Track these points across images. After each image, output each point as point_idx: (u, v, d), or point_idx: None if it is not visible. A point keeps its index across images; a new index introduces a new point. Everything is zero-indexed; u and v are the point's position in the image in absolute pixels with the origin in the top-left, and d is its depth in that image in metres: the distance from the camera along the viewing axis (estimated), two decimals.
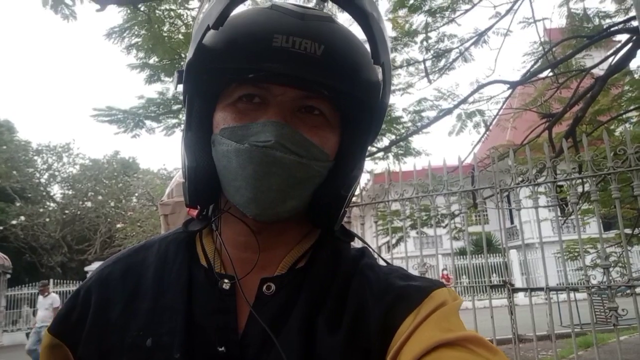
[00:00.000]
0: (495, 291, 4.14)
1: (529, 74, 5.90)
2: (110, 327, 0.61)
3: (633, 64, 5.82)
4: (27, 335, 9.01)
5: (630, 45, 4.95)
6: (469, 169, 4.62)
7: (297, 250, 0.64)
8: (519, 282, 12.18)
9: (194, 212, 0.69)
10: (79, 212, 24.76)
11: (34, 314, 16.93)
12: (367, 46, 0.57)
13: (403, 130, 6.72)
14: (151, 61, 5.92)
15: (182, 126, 0.65)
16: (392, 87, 6.71)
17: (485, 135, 6.34)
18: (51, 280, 17.40)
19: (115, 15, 5.33)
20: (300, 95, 0.57)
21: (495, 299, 3.83)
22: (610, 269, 3.44)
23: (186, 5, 5.58)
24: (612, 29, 5.56)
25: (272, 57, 0.53)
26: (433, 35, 6.16)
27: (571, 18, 6.32)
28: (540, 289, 3.73)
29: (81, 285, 0.68)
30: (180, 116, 6.46)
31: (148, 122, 6.50)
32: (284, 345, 0.54)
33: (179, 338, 0.57)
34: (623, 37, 5.48)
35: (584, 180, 3.65)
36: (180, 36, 5.65)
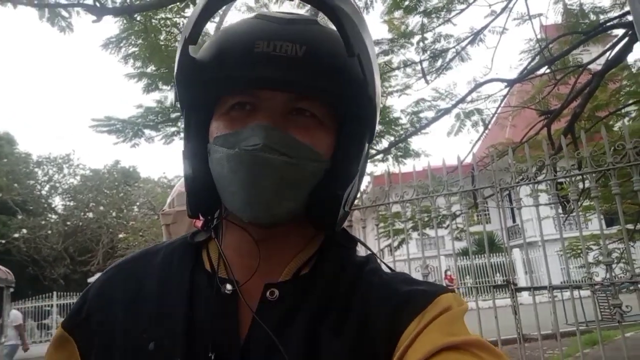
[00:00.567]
0: (499, 291, 4.12)
1: (526, 71, 5.91)
2: (115, 328, 0.62)
3: (630, 58, 5.82)
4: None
5: (626, 39, 4.95)
6: (469, 169, 4.61)
7: (301, 257, 0.64)
8: (522, 281, 12.15)
9: (199, 224, 0.70)
10: (80, 223, 24.79)
11: (39, 327, 16.96)
12: None
13: (402, 132, 6.72)
14: (148, 70, 5.95)
15: (182, 138, 0.67)
16: (390, 89, 6.77)
17: (484, 134, 6.34)
18: (54, 293, 17.45)
19: (112, 25, 5.36)
20: (289, 98, 0.57)
21: (499, 298, 3.81)
22: (613, 266, 3.43)
23: (182, 13, 5.60)
24: (607, 24, 5.57)
25: (254, 63, 0.54)
26: (429, 35, 6.19)
27: (567, 14, 6.32)
28: (544, 288, 3.71)
29: (91, 284, 0.70)
30: (179, 124, 6.47)
31: (147, 131, 6.52)
32: (287, 350, 0.54)
33: (180, 342, 0.57)
34: (619, 32, 5.48)
35: (584, 176, 3.64)
36: (177, 44, 5.67)
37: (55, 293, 17.50)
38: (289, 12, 0.61)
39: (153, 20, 5.51)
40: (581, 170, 3.56)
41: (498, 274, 14.90)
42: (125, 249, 22.32)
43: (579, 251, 6.72)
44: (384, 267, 0.68)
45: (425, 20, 6.03)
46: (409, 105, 6.58)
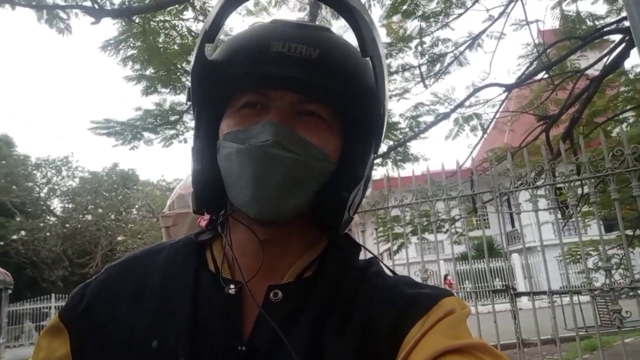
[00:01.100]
0: (498, 296, 4.11)
1: (524, 76, 5.92)
2: (117, 324, 0.62)
3: (627, 64, 5.83)
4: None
5: (623, 45, 4.96)
6: (468, 173, 4.61)
7: (305, 259, 0.64)
8: (521, 286, 12.14)
9: (204, 224, 0.71)
10: (79, 226, 24.74)
11: (37, 329, 16.91)
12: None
13: (401, 136, 6.73)
14: (147, 72, 5.95)
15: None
16: (389, 93, 6.76)
17: (483, 138, 6.34)
18: (53, 295, 17.41)
19: (110, 27, 5.37)
20: (299, 100, 0.59)
21: (498, 303, 3.80)
22: (613, 271, 3.42)
23: (181, 16, 5.61)
24: (605, 29, 5.58)
25: (269, 62, 0.56)
26: (427, 40, 6.20)
27: (564, 20, 6.34)
28: (543, 293, 3.71)
29: (91, 279, 0.70)
30: (178, 127, 6.48)
31: (146, 134, 6.53)
32: (292, 350, 0.54)
33: (184, 341, 0.58)
34: (616, 38, 5.50)
35: (583, 182, 3.64)
36: (176, 47, 5.68)
37: (53, 295, 17.47)
38: (303, 21, 0.65)
39: (152, 23, 5.52)
40: (580, 175, 3.56)
41: (497, 279, 14.87)
42: (123, 252, 22.25)
43: (578, 257, 6.71)
44: (386, 270, 0.69)
45: (424, 25, 6.05)
46: (408, 110, 6.60)
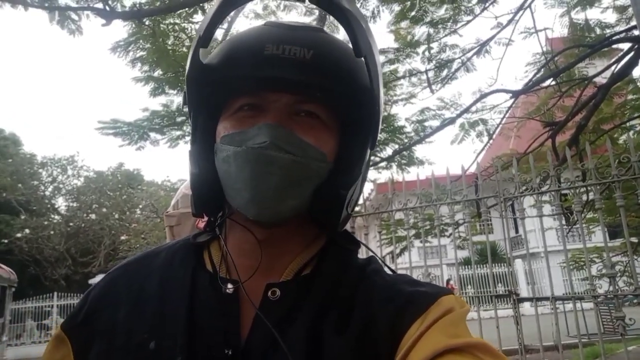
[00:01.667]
0: (501, 301, 4.11)
1: (531, 83, 5.92)
2: (117, 329, 0.62)
3: (636, 72, 5.83)
4: None
5: (632, 53, 4.96)
6: (473, 178, 4.61)
7: (303, 257, 0.64)
8: (524, 291, 12.08)
9: (202, 225, 0.71)
10: (83, 225, 24.80)
11: (38, 327, 16.93)
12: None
13: (406, 140, 6.73)
14: (156, 74, 5.99)
15: (187, 142, 0.69)
16: (395, 98, 6.79)
17: (489, 144, 6.34)
18: (55, 294, 17.43)
19: (121, 29, 5.42)
20: (295, 100, 0.59)
21: (500, 309, 3.80)
22: (617, 278, 3.42)
23: (190, 19, 5.65)
24: (613, 37, 5.58)
25: (263, 65, 0.56)
26: (435, 45, 6.21)
27: (573, 28, 6.34)
28: (546, 299, 3.70)
29: (93, 286, 0.70)
30: (185, 128, 6.51)
31: (152, 134, 6.56)
32: (289, 350, 0.54)
33: (181, 341, 0.57)
34: (625, 46, 5.50)
35: (588, 188, 3.64)
36: (184, 49, 5.72)
37: (55, 294, 17.45)
38: (296, 22, 0.64)
39: (161, 25, 5.56)
40: (585, 181, 3.56)
41: (500, 284, 14.81)
42: (127, 251, 22.31)
43: (582, 263, 6.69)
44: (385, 268, 0.69)
45: (432, 31, 6.06)
46: (414, 114, 6.59)
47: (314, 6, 0.60)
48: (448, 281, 14.92)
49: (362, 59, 0.57)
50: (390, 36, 6.51)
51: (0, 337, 8.48)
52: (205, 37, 0.57)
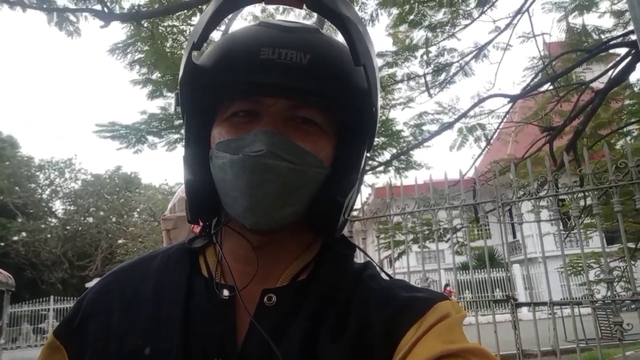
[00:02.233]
0: (499, 306, 4.10)
1: (529, 87, 5.94)
2: (111, 334, 0.61)
3: (633, 77, 5.85)
4: None
5: (629, 58, 4.98)
6: (471, 183, 4.61)
7: (299, 263, 0.63)
8: (522, 296, 12.07)
9: (198, 230, 0.70)
10: (80, 228, 24.77)
11: (34, 331, 16.85)
12: None
13: (404, 144, 6.74)
14: (154, 77, 5.99)
15: (183, 143, 0.67)
16: (393, 102, 6.81)
17: (487, 149, 6.35)
18: (52, 297, 17.36)
19: (119, 31, 5.42)
20: (291, 105, 0.58)
21: (498, 314, 3.79)
22: (614, 284, 3.41)
23: (189, 21, 5.66)
24: (610, 42, 5.61)
25: (260, 69, 0.55)
26: (433, 49, 6.23)
27: (570, 32, 6.37)
28: (544, 304, 3.70)
29: (87, 291, 0.69)
30: (182, 132, 6.49)
31: (150, 138, 6.56)
32: (285, 356, 0.54)
33: (176, 347, 0.57)
34: (622, 51, 5.52)
35: (586, 193, 3.64)
36: (183, 52, 5.72)
37: (52, 297, 17.41)
38: (292, 21, 0.62)
39: (160, 28, 5.56)
40: (583, 187, 3.56)
41: (498, 289, 14.82)
42: (124, 255, 22.27)
43: (579, 268, 6.68)
44: (382, 274, 0.68)
45: (430, 35, 6.08)
46: (412, 118, 6.61)
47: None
48: (446, 286, 14.92)
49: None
50: (388, 39, 6.54)
51: None
52: (200, 40, 0.56)
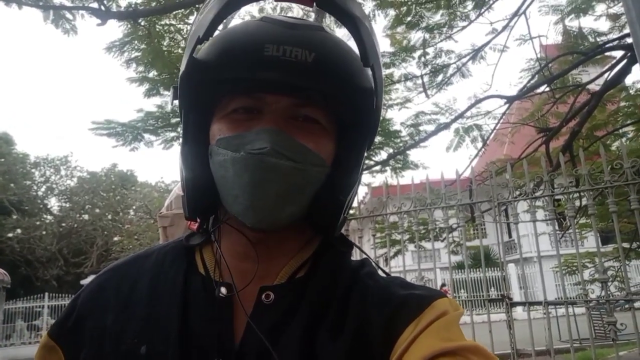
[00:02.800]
0: (494, 305, 4.12)
1: (525, 89, 5.95)
2: (106, 333, 0.60)
3: (628, 80, 5.88)
4: None
5: (625, 61, 5.01)
6: (467, 183, 4.63)
7: (297, 260, 0.63)
8: (517, 296, 12.12)
9: (195, 226, 0.69)
10: (75, 225, 24.65)
11: (29, 328, 16.76)
12: (358, 52, 0.58)
13: (401, 144, 6.75)
14: (150, 75, 5.97)
15: (180, 140, 0.66)
16: (390, 102, 6.82)
17: (483, 149, 6.37)
18: (46, 294, 17.27)
19: (116, 29, 5.40)
20: (294, 103, 0.58)
21: (493, 313, 3.81)
22: (609, 283, 3.43)
23: (186, 20, 5.64)
24: (607, 45, 5.63)
25: (264, 66, 0.54)
26: (430, 50, 6.24)
27: (567, 35, 6.40)
28: (539, 303, 3.72)
29: (81, 290, 0.68)
30: (179, 129, 6.48)
31: (147, 136, 6.55)
32: (283, 354, 0.54)
33: (173, 346, 0.56)
34: (618, 54, 5.55)
35: (581, 194, 3.66)
36: (180, 50, 5.71)
37: (47, 294, 17.29)
38: (295, 17, 0.61)
39: (157, 26, 5.54)
40: (579, 187, 3.58)
41: (493, 289, 14.86)
42: (119, 252, 22.18)
43: (574, 268, 6.72)
44: (379, 271, 0.68)
45: (427, 36, 6.09)
46: (409, 118, 6.62)
47: (312, 8, 0.59)
48: (442, 285, 14.94)
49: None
50: (386, 40, 6.54)
51: None
52: (206, 35, 0.55)
